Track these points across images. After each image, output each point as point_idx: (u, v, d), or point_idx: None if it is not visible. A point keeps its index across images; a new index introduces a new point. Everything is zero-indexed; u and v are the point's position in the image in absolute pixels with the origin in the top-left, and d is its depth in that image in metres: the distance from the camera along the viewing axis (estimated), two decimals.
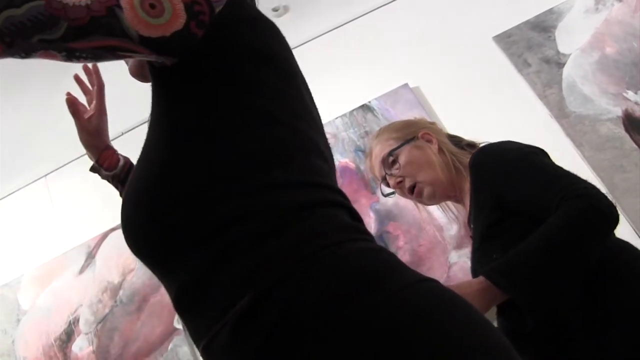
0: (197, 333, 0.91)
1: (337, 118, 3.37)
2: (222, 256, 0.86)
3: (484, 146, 1.82)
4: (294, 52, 3.24)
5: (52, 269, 3.50)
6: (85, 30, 0.84)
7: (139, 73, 1.17)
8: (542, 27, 3.33)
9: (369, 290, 0.81)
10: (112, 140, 1.64)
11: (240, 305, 0.82)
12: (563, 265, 1.40)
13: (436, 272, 2.75)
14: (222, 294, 0.85)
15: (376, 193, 3.02)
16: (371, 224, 3.04)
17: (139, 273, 3.30)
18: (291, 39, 3.50)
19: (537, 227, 1.45)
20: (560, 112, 3.09)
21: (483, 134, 3.04)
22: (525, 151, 1.68)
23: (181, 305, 0.94)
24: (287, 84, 1.02)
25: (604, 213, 1.44)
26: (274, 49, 1.04)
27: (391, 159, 1.93)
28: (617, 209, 1.46)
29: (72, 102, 1.57)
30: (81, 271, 3.44)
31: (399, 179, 1.92)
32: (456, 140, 2.00)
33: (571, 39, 3.27)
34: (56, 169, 3.79)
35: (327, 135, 3.01)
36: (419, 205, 2.07)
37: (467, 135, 3.04)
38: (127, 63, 1.20)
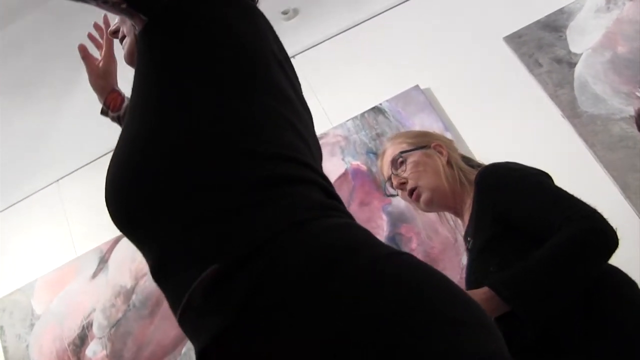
0: (173, 303, 0.94)
1: (348, 120, 3.40)
2: (193, 227, 0.90)
3: (491, 164, 1.91)
4: (304, 55, 3.27)
5: (65, 274, 3.53)
6: None
7: (131, 61, 1.25)
8: (553, 26, 3.35)
9: (341, 264, 0.83)
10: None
11: (208, 273, 0.84)
12: (564, 281, 1.51)
13: (449, 274, 2.72)
14: (192, 263, 0.88)
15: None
16: (383, 226, 3.07)
17: None
18: (301, 42, 3.57)
19: (535, 244, 1.55)
20: (572, 112, 3.10)
21: (494, 135, 3.10)
22: (531, 172, 1.79)
23: (157, 275, 0.97)
24: (254, 64, 1.06)
25: (606, 236, 1.54)
26: (241, 29, 1.09)
27: (400, 160, 2.01)
28: (616, 233, 1.55)
29: (83, 49, 1.65)
30: (94, 276, 3.47)
31: (402, 180, 1.99)
32: (467, 159, 2.08)
33: (582, 38, 3.28)
34: (68, 174, 3.82)
35: (338, 138, 3.05)
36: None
37: (479, 135, 3.08)
38: (123, 48, 1.29)
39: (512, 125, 3.16)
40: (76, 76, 3.43)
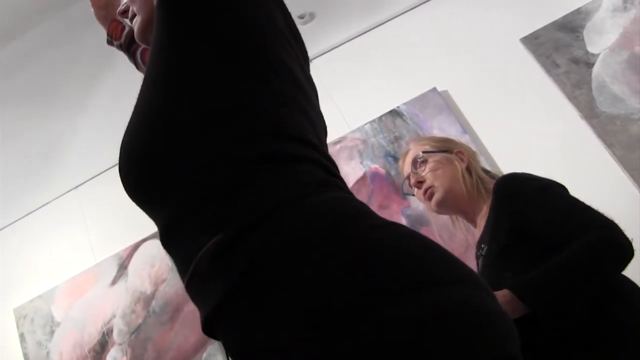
0: (181, 269, 0.98)
1: (366, 124, 3.43)
2: (201, 197, 0.94)
3: (510, 173, 1.99)
4: (321, 59, 3.31)
5: (85, 281, 3.56)
6: None
7: (143, 38, 1.29)
8: (570, 27, 3.37)
9: (339, 231, 0.87)
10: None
11: (215, 242, 0.88)
12: (582, 286, 1.58)
13: None
14: (200, 232, 0.92)
15: (407, 198, 3.08)
16: None
17: (172, 283, 3.38)
18: (318, 46, 3.62)
19: (551, 253, 1.62)
20: (590, 112, 3.12)
21: (512, 136, 3.13)
22: (549, 182, 1.86)
23: (165, 241, 1.02)
24: (263, 41, 1.09)
25: (622, 247, 1.61)
26: (251, 7, 1.12)
27: (420, 160, 2.10)
28: (632, 244, 1.63)
29: None
30: (114, 282, 3.51)
31: (420, 179, 2.09)
32: (487, 171, 2.16)
33: (600, 38, 3.31)
34: (87, 181, 3.84)
35: (356, 141, 3.09)
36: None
37: (497, 137, 3.11)
38: (134, 27, 1.33)
39: (530, 127, 3.19)
40: (94, 82, 3.50)
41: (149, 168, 1.00)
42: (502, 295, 1.54)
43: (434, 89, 3.40)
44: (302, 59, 1.21)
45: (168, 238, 1.01)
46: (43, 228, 3.83)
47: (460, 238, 2.95)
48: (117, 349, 3.35)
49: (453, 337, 0.77)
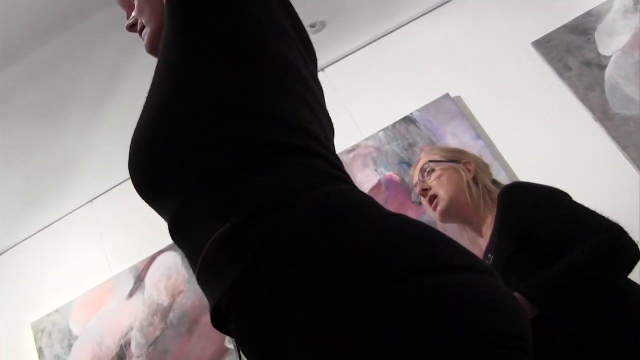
0: (191, 259, 1.00)
1: (380, 131, 3.46)
2: (208, 187, 0.95)
3: (513, 182, 2.09)
4: (333, 67, 3.35)
5: (102, 294, 3.61)
6: None
7: (153, 49, 1.31)
8: (582, 30, 3.40)
9: (347, 219, 0.88)
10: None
11: (222, 231, 0.90)
12: (591, 287, 1.62)
13: None
14: (208, 221, 0.93)
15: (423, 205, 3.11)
16: None
17: (189, 295, 3.41)
18: (329, 55, 3.66)
19: (557, 258, 1.66)
20: (603, 114, 3.15)
21: (526, 141, 3.17)
22: (552, 190, 1.91)
23: (174, 233, 1.03)
24: (269, 39, 1.11)
25: (628, 249, 1.67)
26: (257, 7, 1.14)
27: (428, 168, 2.17)
28: (638, 246, 1.68)
29: None
30: (131, 295, 3.55)
31: (425, 187, 2.16)
32: (497, 183, 2.20)
33: (611, 40, 3.34)
34: (102, 194, 3.90)
35: (370, 149, 3.12)
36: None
37: (511, 142, 3.15)
38: (143, 39, 1.34)
39: (544, 131, 3.23)
40: (107, 96, 3.55)
41: (156, 161, 1.02)
42: None
43: (447, 95, 3.44)
44: (310, 62, 1.23)
45: (176, 229, 1.02)
46: (59, 242, 3.88)
47: (478, 245, 2.99)
48: None
49: (461, 318, 0.78)
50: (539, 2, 3.58)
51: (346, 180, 1.04)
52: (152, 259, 3.59)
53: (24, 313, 3.72)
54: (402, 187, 3.30)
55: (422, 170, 2.18)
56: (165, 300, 3.48)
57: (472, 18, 3.67)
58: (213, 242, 0.91)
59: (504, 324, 0.81)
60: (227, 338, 3.21)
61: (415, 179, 2.22)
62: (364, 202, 0.95)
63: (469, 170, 2.13)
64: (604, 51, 3.33)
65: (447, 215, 2.12)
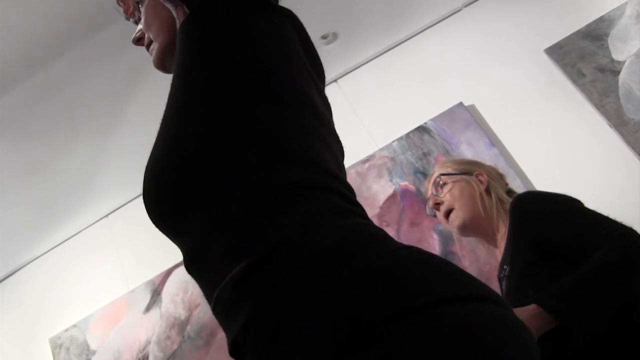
0: (207, 295, 1.01)
1: (393, 141, 3.49)
2: (223, 224, 0.96)
3: (524, 192, 2.12)
4: (346, 78, 3.36)
5: (119, 308, 3.64)
6: None
7: (161, 65, 1.31)
8: (594, 35, 3.42)
9: (363, 251, 0.88)
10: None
11: (238, 270, 0.90)
12: (611, 293, 1.64)
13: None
14: (223, 259, 0.94)
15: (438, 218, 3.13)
16: (435, 245, 3.15)
17: (205, 308, 3.42)
18: (342, 66, 3.68)
19: (573, 266, 1.68)
20: (618, 120, 3.17)
21: (541, 148, 3.19)
22: (564, 197, 1.93)
23: (190, 268, 1.04)
24: (281, 68, 1.12)
25: None
26: (269, 33, 1.15)
27: (440, 182, 2.21)
28: None
29: None
30: (148, 308, 3.58)
31: (438, 201, 2.19)
32: (509, 190, 2.23)
33: (624, 45, 3.35)
34: (118, 208, 3.94)
35: (385, 159, 3.15)
36: None
37: (526, 149, 3.17)
38: (151, 54, 1.35)
39: (558, 138, 3.25)
40: (122, 110, 3.60)
41: (171, 195, 1.01)
42: (530, 309, 1.59)
43: (460, 103, 3.47)
44: (319, 81, 1.23)
45: (192, 264, 1.03)
46: (76, 257, 3.92)
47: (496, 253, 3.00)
48: None
49: (478, 349, 0.78)
50: (550, 8, 3.61)
51: (360, 214, 1.03)
52: (168, 272, 3.62)
53: (41, 328, 3.76)
54: (417, 197, 3.31)
55: (435, 184, 2.21)
56: (182, 313, 3.51)
57: (483, 26, 3.70)
58: (229, 281, 0.92)
59: (521, 356, 0.82)
60: None
61: (429, 193, 2.26)
62: (377, 235, 0.96)
63: (481, 182, 2.15)
64: (617, 56, 3.34)
65: (464, 229, 2.15)
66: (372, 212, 3.30)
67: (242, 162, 0.99)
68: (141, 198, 1.08)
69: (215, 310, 0.98)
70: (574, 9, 3.56)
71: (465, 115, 3.43)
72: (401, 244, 0.95)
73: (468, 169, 2.21)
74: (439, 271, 0.88)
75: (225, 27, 1.12)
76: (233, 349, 0.96)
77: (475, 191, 2.12)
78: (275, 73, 1.09)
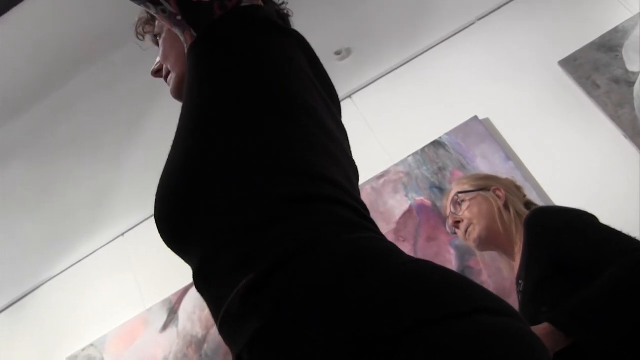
0: (214, 312, 1.01)
1: (408, 156, 3.51)
2: (230, 239, 0.97)
3: (539, 207, 2.14)
4: (360, 94, 3.40)
5: (136, 327, 3.66)
6: None
7: (178, 94, 1.34)
8: (608, 46, 3.44)
9: (373, 266, 0.89)
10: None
11: (246, 282, 0.91)
12: (625, 310, 1.64)
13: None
14: (229, 274, 0.95)
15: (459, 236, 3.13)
16: (452, 260, 3.16)
17: None
18: (356, 81, 3.73)
19: (587, 281, 1.70)
20: (634, 131, 3.18)
21: (557, 160, 3.21)
22: (579, 212, 1.96)
23: (198, 285, 1.05)
24: (290, 85, 1.14)
25: None
26: (277, 52, 1.18)
27: (458, 200, 2.24)
28: None
29: None
30: (165, 327, 3.60)
31: (457, 219, 2.23)
32: (528, 202, 2.25)
33: (638, 56, 3.36)
34: (133, 227, 3.96)
35: (400, 174, 3.18)
36: None
37: (541, 162, 3.18)
38: (169, 84, 1.40)
39: (574, 150, 3.27)
40: (137, 130, 3.66)
41: (180, 210, 1.04)
42: (541, 328, 1.61)
43: (475, 117, 3.49)
44: (331, 102, 1.25)
45: (201, 279, 1.04)
46: (92, 276, 3.95)
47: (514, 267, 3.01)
48: None
49: None
50: (563, 20, 3.64)
51: (372, 228, 1.04)
52: (185, 290, 3.64)
53: (58, 347, 3.79)
54: (433, 212, 3.33)
55: (453, 202, 2.24)
56: (199, 331, 3.53)
57: (496, 40, 3.73)
58: (236, 294, 0.93)
59: None
60: None
61: (447, 211, 2.28)
62: (388, 249, 0.96)
63: (499, 197, 2.18)
64: (631, 67, 3.36)
65: (482, 244, 2.18)
66: (388, 228, 3.33)
67: (247, 175, 1.02)
68: None
69: (222, 325, 0.98)
70: (587, 20, 3.59)
71: (480, 129, 3.45)
72: (412, 257, 0.95)
73: (485, 184, 2.23)
74: (450, 284, 0.88)
75: (232, 48, 1.15)
76: None
77: (494, 207, 2.15)
78: (281, 88, 1.12)
